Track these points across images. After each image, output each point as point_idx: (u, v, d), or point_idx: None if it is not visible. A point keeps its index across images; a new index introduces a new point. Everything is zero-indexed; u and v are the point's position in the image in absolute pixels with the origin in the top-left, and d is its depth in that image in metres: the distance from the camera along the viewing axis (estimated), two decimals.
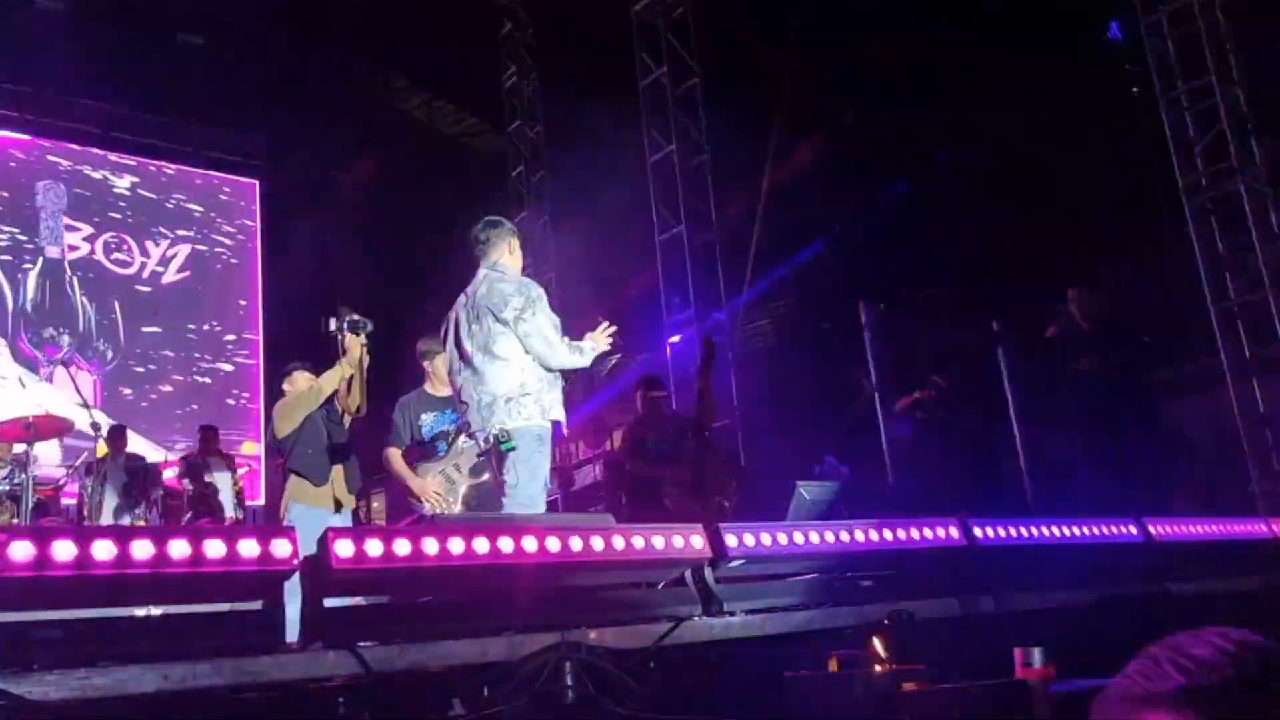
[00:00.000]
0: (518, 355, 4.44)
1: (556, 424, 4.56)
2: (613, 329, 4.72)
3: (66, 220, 11.92)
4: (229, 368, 12.71)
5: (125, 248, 12.33)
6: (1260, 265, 7.55)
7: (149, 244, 12.52)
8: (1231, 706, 0.86)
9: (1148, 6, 8.07)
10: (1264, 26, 7.65)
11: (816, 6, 9.67)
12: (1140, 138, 8.18)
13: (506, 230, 4.73)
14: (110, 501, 7.74)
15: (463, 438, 5.53)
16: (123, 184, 12.60)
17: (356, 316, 5.53)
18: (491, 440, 4.40)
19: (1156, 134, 8.06)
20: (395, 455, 5.73)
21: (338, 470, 5.70)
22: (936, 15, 10.31)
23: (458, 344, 4.61)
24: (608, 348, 4.68)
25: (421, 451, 5.74)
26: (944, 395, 7.20)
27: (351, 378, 5.60)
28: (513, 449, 4.33)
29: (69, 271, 11.84)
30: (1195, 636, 0.93)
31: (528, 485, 4.33)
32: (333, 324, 5.54)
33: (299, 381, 5.86)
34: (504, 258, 4.63)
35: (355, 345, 5.50)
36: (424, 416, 5.75)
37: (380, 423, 5.92)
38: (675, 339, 9.89)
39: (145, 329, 12.23)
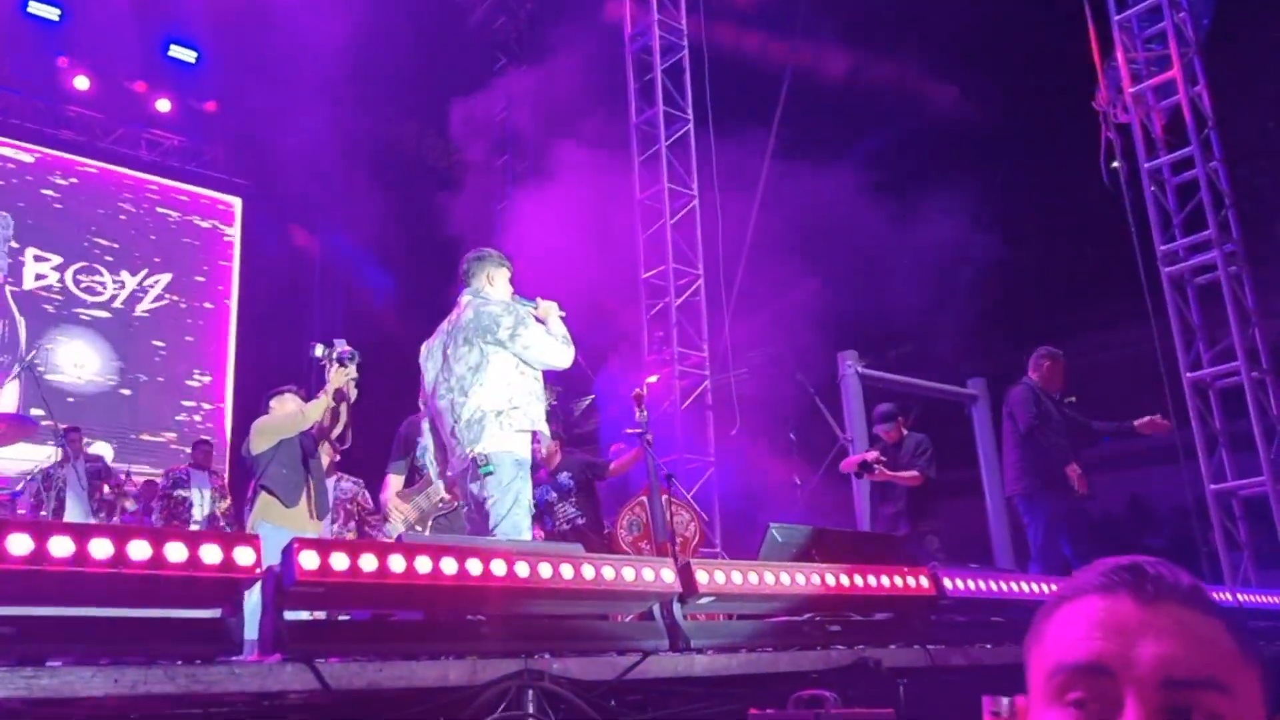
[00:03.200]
0: (506, 372, 4.53)
1: (536, 435, 4.61)
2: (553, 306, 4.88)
3: (36, 251, 11.72)
4: (198, 384, 12.53)
5: (95, 275, 12.13)
6: (1234, 338, 7.64)
7: (123, 270, 12.33)
8: (1134, 580, 0.99)
9: (1134, 77, 8.24)
10: (1247, 101, 7.84)
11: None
12: (1119, 207, 8.32)
13: (490, 261, 4.81)
14: (71, 506, 7.59)
15: (436, 471, 5.54)
16: (99, 196, 12.47)
17: (346, 348, 5.52)
18: (469, 462, 4.40)
19: (1135, 204, 8.20)
20: (391, 481, 5.83)
21: (308, 494, 5.64)
22: (925, 80, 10.53)
23: (444, 366, 4.62)
24: (560, 315, 4.83)
25: (410, 478, 5.81)
26: (891, 456, 7.24)
27: (335, 409, 5.58)
28: (490, 473, 4.33)
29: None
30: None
31: (512, 512, 4.31)
32: (319, 350, 5.55)
33: (288, 403, 5.82)
34: (485, 287, 4.70)
35: (340, 376, 5.49)
36: (421, 439, 5.83)
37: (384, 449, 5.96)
38: (653, 379, 9.87)
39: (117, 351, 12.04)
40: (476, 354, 4.52)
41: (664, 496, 6.36)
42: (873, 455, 7.22)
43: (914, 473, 7.06)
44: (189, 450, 9.06)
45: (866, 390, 9.53)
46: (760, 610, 4.11)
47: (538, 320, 4.79)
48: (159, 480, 8.55)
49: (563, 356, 4.70)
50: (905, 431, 7.35)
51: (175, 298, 12.69)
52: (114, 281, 12.27)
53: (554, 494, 6.56)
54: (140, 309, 12.37)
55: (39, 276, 11.74)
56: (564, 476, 6.65)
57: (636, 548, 6.35)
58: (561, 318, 4.82)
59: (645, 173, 10.45)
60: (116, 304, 12.20)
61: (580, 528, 6.51)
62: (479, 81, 13.35)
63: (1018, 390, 6.81)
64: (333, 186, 13.13)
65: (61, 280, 11.95)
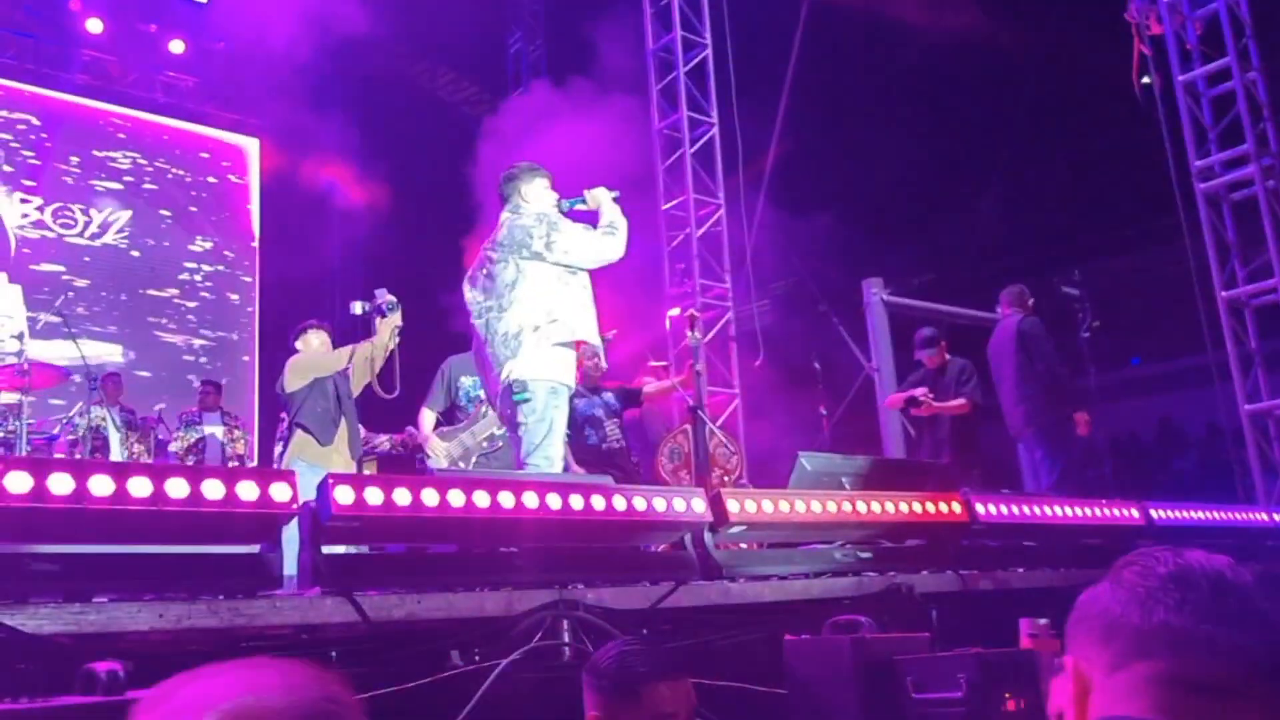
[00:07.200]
0: (545, 285, 4.41)
1: (580, 344, 4.53)
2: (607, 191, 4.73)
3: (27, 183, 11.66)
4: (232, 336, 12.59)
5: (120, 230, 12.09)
6: (1271, 255, 7.49)
7: (141, 208, 12.28)
8: None
9: None
10: None
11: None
12: (1151, 123, 8.12)
13: (521, 177, 4.66)
14: (110, 448, 7.70)
15: (485, 408, 5.53)
16: (117, 140, 12.39)
17: (388, 297, 5.49)
18: (506, 387, 4.34)
19: (1169, 119, 7.99)
20: (425, 417, 5.82)
21: (343, 433, 5.67)
22: None
23: (483, 286, 4.55)
24: (612, 198, 4.67)
25: (449, 416, 5.81)
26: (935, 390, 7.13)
27: (376, 358, 5.58)
28: (525, 399, 4.27)
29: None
30: None
31: (545, 441, 4.27)
32: (359, 307, 5.54)
33: (311, 340, 5.84)
34: (522, 203, 4.60)
35: (385, 329, 5.47)
36: (464, 380, 5.81)
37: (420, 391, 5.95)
38: (675, 311, 9.82)
39: (141, 293, 12.06)
40: (513, 269, 4.41)
41: (706, 426, 6.33)
42: (920, 391, 7.08)
43: (961, 400, 6.93)
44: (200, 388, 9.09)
45: (892, 318, 9.47)
46: (792, 539, 4.13)
47: (580, 217, 4.64)
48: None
49: (607, 249, 4.49)
50: (948, 356, 7.22)
51: (205, 243, 12.68)
52: (132, 228, 12.24)
53: (600, 411, 6.51)
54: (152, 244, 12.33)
55: (65, 224, 11.72)
56: (610, 396, 6.59)
57: (676, 476, 6.33)
58: (615, 199, 4.64)
59: (663, 101, 10.29)
60: (134, 253, 12.21)
61: (620, 450, 6.49)
62: (492, 15, 13.12)
63: (1030, 324, 6.72)
64: (350, 125, 12.99)
65: (92, 234, 11.93)
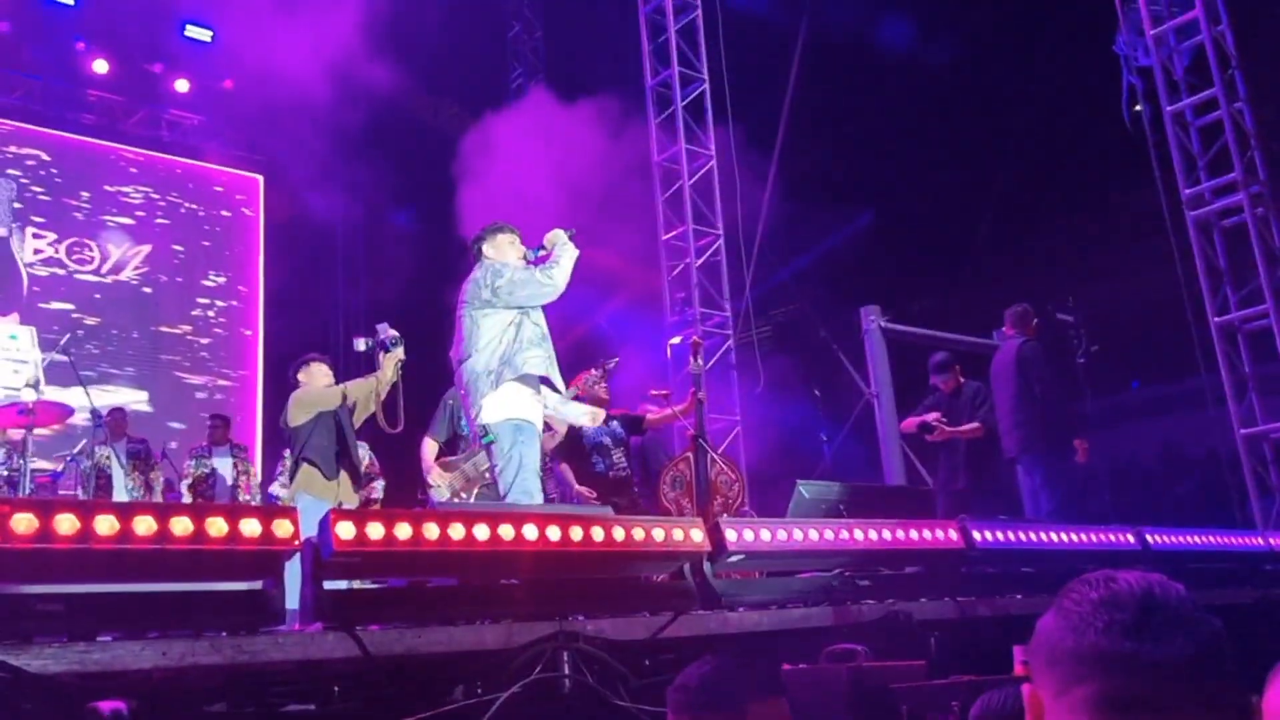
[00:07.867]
0: (497, 332, 4.57)
1: (546, 379, 4.61)
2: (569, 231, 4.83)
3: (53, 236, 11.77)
4: (228, 378, 12.64)
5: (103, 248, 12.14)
6: (1261, 280, 7.55)
7: (142, 245, 12.37)
8: None
9: (1155, 19, 8.09)
10: (1271, 40, 7.68)
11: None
12: (1142, 152, 8.22)
13: (485, 239, 4.84)
14: (114, 486, 7.73)
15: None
16: (129, 175, 12.52)
17: (391, 332, 5.55)
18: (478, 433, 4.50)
19: (1159, 148, 8.10)
20: (427, 446, 5.88)
21: (345, 466, 5.71)
22: (942, 26, 10.40)
23: (456, 341, 4.72)
24: (566, 236, 4.78)
25: (452, 446, 5.85)
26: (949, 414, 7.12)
27: (380, 392, 5.63)
28: (491, 442, 4.41)
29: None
30: None
31: (519, 479, 4.36)
32: (363, 344, 5.60)
33: (315, 374, 5.86)
34: (484, 260, 4.77)
35: (388, 363, 5.53)
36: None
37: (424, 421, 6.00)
38: (676, 340, 9.88)
39: (145, 329, 12.11)
40: (470, 322, 4.61)
41: (708, 454, 6.34)
42: (933, 417, 7.09)
43: (975, 424, 6.94)
44: (208, 420, 9.14)
45: (890, 344, 9.53)
46: (790, 567, 4.16)
47: (537, 261, 4.78)
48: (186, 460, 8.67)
49: (546, 285, 4.62)
50: (962, 380, 7.24)
51: (214, 279, 12.77)
52: (142, 265, 12.33)
53: (608, 439, 6.54)
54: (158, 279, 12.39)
55: (79, 263, 11.78)
56: (616, 425, 6.62)
57: (679, 505, 6.34)
58: (570, 236, 4.77)
59: (662, 134, 10.40)
60: (146, 289, 12.28)
61: (626, 479, 6.52)
62: (494, 49, 13.29)
63: (1029, 348, 6.73)
64: (354, 160, 13.11)
65: (98, 271, 12.02)
